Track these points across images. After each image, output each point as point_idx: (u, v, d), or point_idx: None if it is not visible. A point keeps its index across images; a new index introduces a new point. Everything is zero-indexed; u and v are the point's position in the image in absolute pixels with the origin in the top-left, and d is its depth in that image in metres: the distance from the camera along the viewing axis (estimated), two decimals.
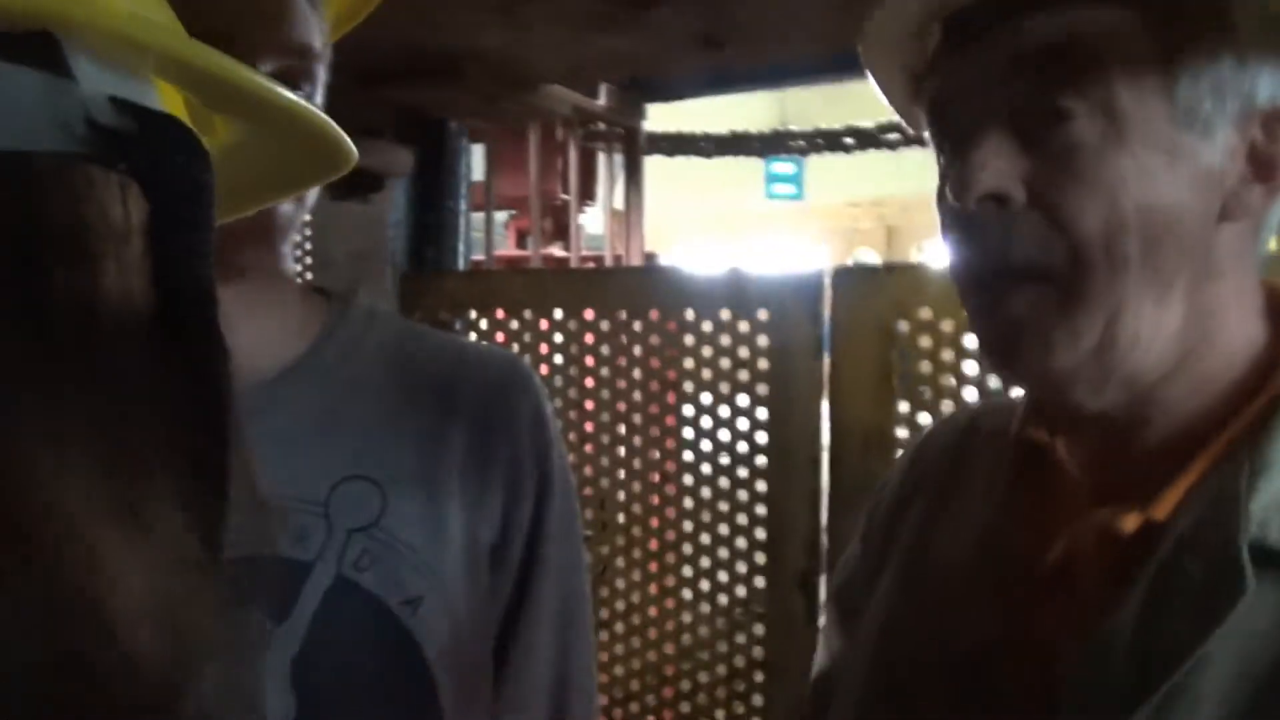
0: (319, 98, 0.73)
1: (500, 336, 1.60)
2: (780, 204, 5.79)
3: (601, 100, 2.44)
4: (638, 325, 1.49)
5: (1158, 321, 0.55)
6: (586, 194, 2.87)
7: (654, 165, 3.11)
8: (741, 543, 1.42)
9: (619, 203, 2.62)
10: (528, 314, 1.59)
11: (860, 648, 0.70)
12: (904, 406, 1.30)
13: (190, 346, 0.38)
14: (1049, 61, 0.54)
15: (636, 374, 1.50)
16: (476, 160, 2.26)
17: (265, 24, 0.67)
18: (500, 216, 3.44)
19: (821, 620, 1.21)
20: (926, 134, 0.62)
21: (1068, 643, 0.55)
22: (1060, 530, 0.59)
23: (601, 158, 2.60)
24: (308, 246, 1.77)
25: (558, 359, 1.56)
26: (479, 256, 2.71)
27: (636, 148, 2.52)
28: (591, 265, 2.83)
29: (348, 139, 0.44)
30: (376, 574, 0.71)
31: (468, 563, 0.76)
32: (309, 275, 1.77)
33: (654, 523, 1.49)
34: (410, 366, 0.79)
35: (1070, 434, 0.62)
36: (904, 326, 1.29)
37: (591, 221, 3.02)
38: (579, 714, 0.83)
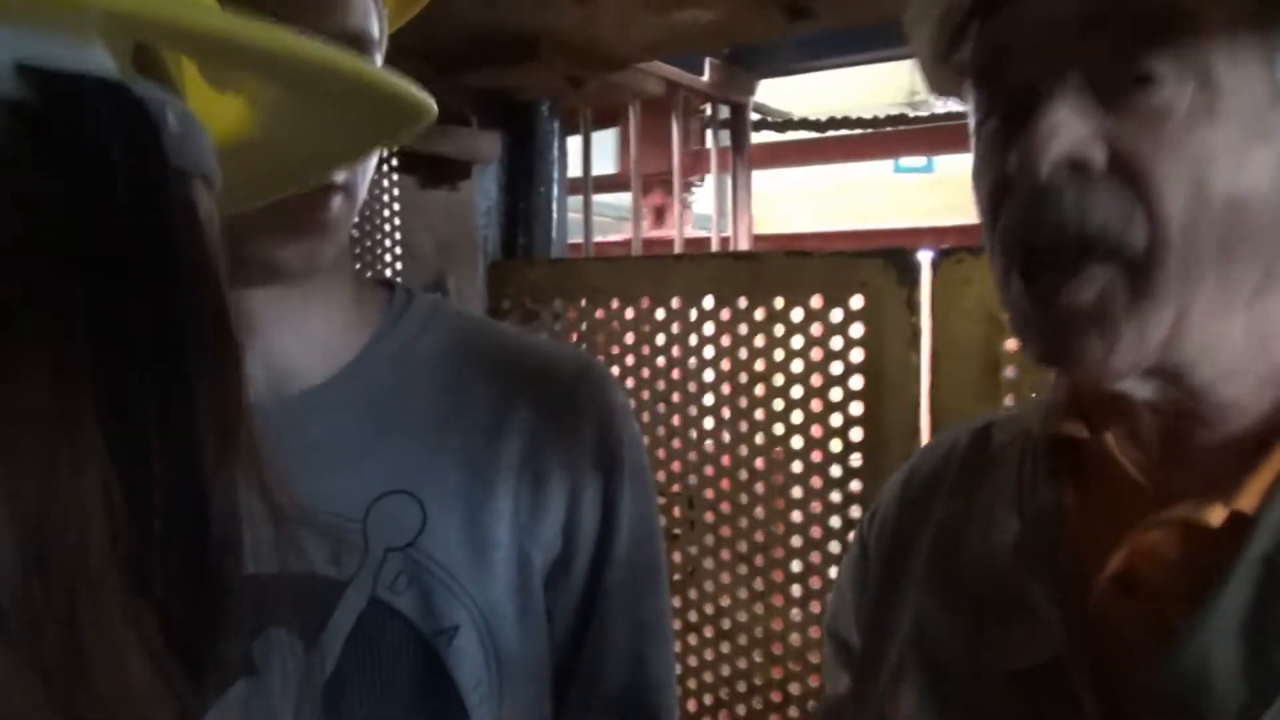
0: None
1: (585, 326, 1.55)
2: (908, 177, 5.55)
3: (705, 76, 2.35)
4: (725, 313, 1.41)
5: (1224, 323, 0.50)
6: (696, 173, 2.78)
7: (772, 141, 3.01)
8: (835, 546, 1.33)
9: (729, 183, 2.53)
10: (614, 303, 1.52)
11: (893, 673, 0.64)
12: (1011, 402, 1.18)
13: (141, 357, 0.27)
14: (1135, 18, 0.48)
15: (725, 365, 1.42)
16: (607, 145, 2.21)
17: (318, 10, 0.62)
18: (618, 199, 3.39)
19: None
20: (960, 98, 0.55)
21: (1142, 650, 0.51)
22: (1119, 531, 0.53)
23: (709, 136, 2.51)
24: (397, 237, 1.75)
25: (644, 350, 1.49)
26: (613, 237, 2.63)
27: (743, 125, 2.42)
28: (693, 249, 2.75)
29: (397, 80, 0.36)
30: (413, 598, 0.67)
31: (516, 589, 0.70)
32: (397, 266, 1.75)
33: (744, 523, 1.40)
34: (465, 371, 0.73)
35: (1120, 428, 0.56)
36: None
37: (702, 202, 2.94)
38: None
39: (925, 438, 1.25)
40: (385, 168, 1.74)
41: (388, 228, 1.76)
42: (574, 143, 1.97)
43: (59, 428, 0.25)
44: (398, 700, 0.67)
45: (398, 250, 1.75)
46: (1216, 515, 0.51)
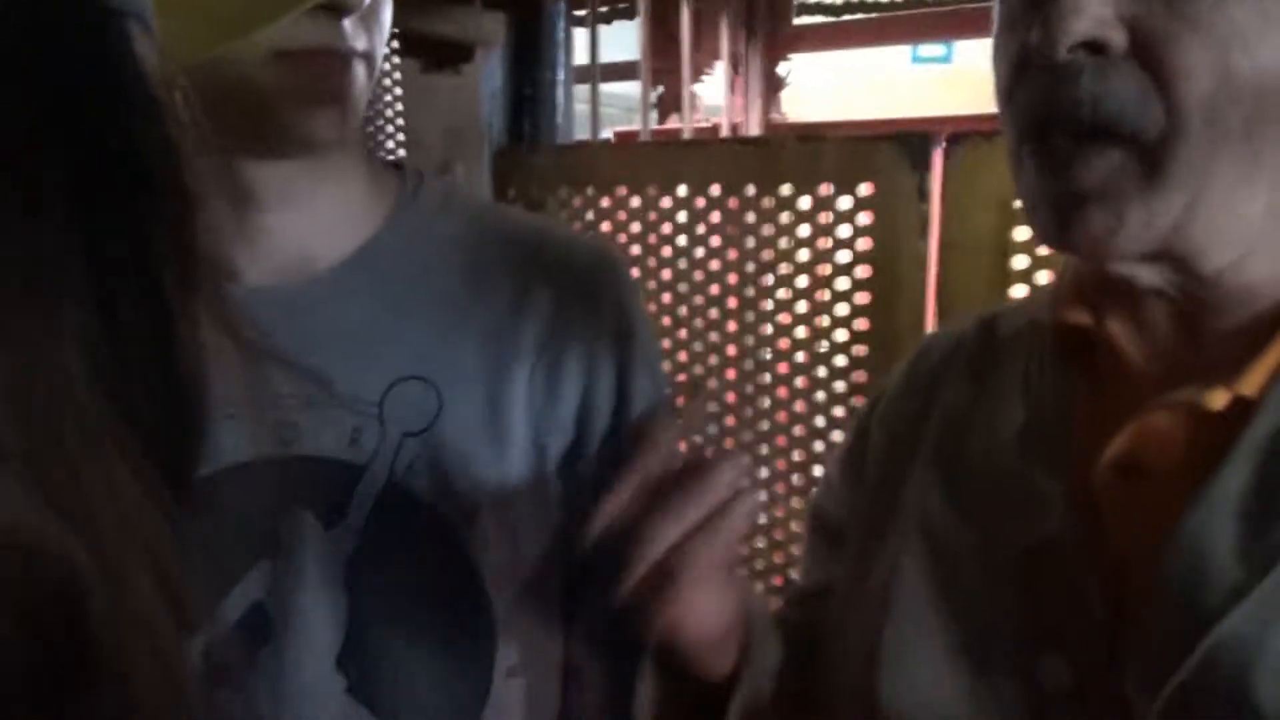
0: None
1: (591, 215, 1.53)
2: (926, 68, 5.41)
3: None
4: (733, 202, 1.39)
5: (1240, 206, 0.49)
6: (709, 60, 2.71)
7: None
8: (838, 436, 1.33)
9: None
10: (621, 191, 1.50)
11: (901, 559, 0.64)
12: (1022, 293, 1.16)
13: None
14: None
15: (732, 254, 1.40)
16: (629, 34, 2.15)
17: None
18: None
19: None
20: None
21: (1143, 532, 0.52)
22: (1120, 416, 0.53)
23: (724, 21, 2.43)
24: (399, 123, 1.72)
25: (651, 238, 1.47)
26: (633, 128, 2.57)
27: (755, 8, 2.35)
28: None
29: None
30: (430, 481, 0.67)
31: (531, 473, 0.71)
32: (401, 153, 1.72)
33: (748, 413, 1.41)
34: (482, 255, 0.72)
35: (1126, 315, 0.56)
36: None
37: (714, 90, 2.88)
38: None
39: (932, 327, 1.24)
40: (386, 49, 1.70)
41: (390, 113, 1.72)
42: (617, 32, 1.90)
43: (35, 269, 0.26)
44: (418, 578, 0.68)
45: (401, 136, 1.72)
46: (1219, 399, 0.51)
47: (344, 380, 0.67)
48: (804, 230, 1.32)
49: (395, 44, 1.65)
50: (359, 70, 0.64)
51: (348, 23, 0.62)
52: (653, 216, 1.46)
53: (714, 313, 1.42)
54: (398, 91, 1.69)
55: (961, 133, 1.23)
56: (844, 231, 1.29)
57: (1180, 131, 0.48)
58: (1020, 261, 1.17)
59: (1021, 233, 1.16)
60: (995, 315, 0.68)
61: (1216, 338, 0.53)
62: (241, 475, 0.64)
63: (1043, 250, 1.14)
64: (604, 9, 1.97)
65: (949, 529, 0.61)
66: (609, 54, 2.07)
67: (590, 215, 1.52)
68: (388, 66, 1.73)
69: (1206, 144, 0.48)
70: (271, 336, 0.65)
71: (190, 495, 0.32)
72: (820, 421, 1.35)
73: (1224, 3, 0.46)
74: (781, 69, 2.44)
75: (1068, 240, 0.52)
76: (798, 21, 2.67)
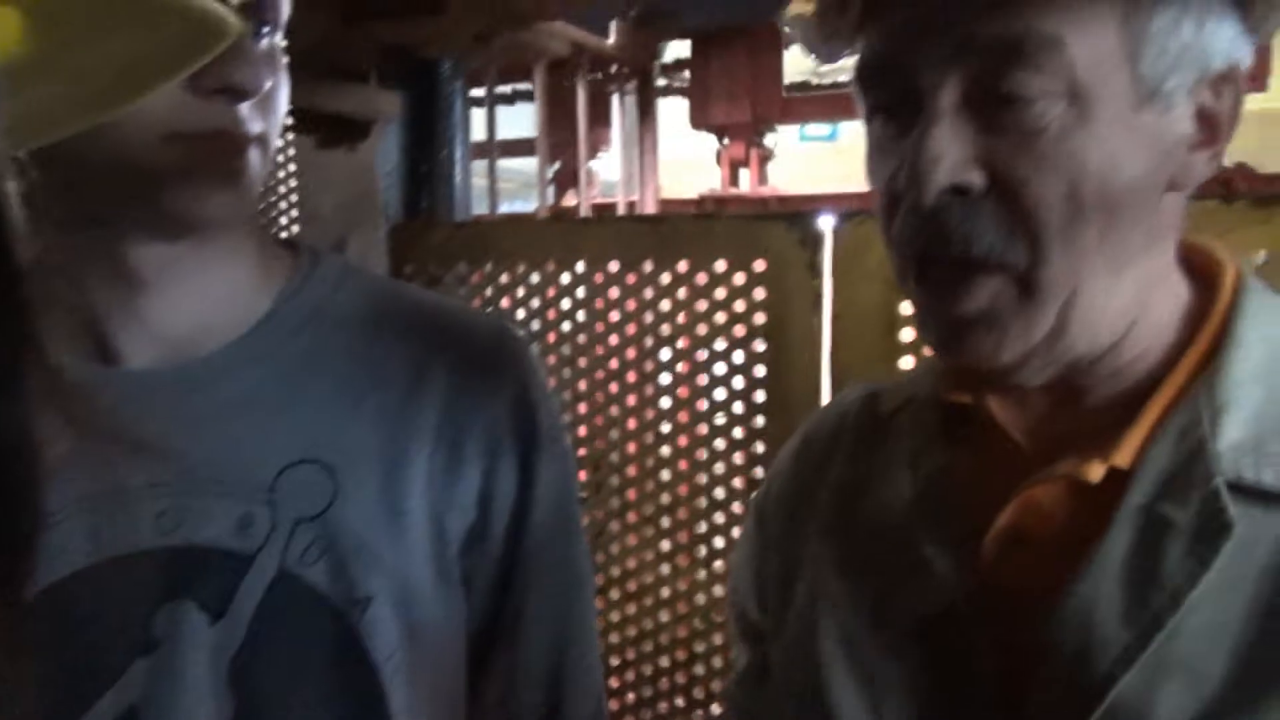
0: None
1: (490, 291, 1.53)
2: (813, 145, 5.62)
3: (611, 38, 2.33)
4: (631, 278, 1.41)
5: (1108, 299, 0.53)
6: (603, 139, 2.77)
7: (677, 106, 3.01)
8: (739, 507, 1.35)
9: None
10: (521, 267, 1.51)
11: (799, 632, 0.65)
12: (909, 363, 1.21)
13: None
14: (1003, 44, 0.50)
15: (631, 329, 1.42)
16: (526, 111, 2.18)
17: None
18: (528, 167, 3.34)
19: None
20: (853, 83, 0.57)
21: (1033, 601, 0.54)
22: (1005, 488, 0.56)
23: (615, 100, 2.49)
24: (293, 199, 1.70)
25: (549, 314, 1.48)
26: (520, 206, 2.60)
27: (650, 89, 2.41)
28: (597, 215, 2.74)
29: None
30: (324, 569, 0.65)
31: (431, 557, 0.68)
32: (296, 229, 1.70)
33: (650, 486, 1.41)
34: (380, 334, 0.70)
35: (1007, 400, 0.59)
36: None
37: (609, 167, 2.93)
38: (579, 714, 0.76)
39: (827, 399, 1.27)
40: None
41: (284, 189, 1.70)
42: (515, 111, 1.94)
43: None
44: (309, 672, 0.65)
45: (295, 212, 1.70)
46: (1095, 471, 0.53)
47: (233, 465, 0.64)
48: (701, 305, 1.35)
49: (290, 120, 1.64)
50: (254, 154, 0.63)
51: (244, 107, 0.61)
52: (551, 292, 1.47)
53: (614, 387, 1.43)
54: (292, 168, 1.67)
55: (849, 211, 1.29)
56: (739, 306, 1.32)
57: (1044, 257, 0.51)
58: (908, 334, 1.22)
59: (908, 306, 1.21)
60: (876, 393, 0.70)
61: (1091, 412, 0.56)
62: (116, 569, 0.61)
63: None
64: (501, 88, 2.00)
65: (843, 603, 0.63)
66: (506, 131, 2.10)
67: (489, 291, 1.53)
68: (282, 143, 1.72)
69: (1070, 262, 0.51)
70: (153, 420, 0.62)
71: (25, 598, 0.30)
72: (721, 493, 1.36)
73: (1064, 137, 0.50)
74: (769, 140, 2.51)
75: (956, 358, 0.55)
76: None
